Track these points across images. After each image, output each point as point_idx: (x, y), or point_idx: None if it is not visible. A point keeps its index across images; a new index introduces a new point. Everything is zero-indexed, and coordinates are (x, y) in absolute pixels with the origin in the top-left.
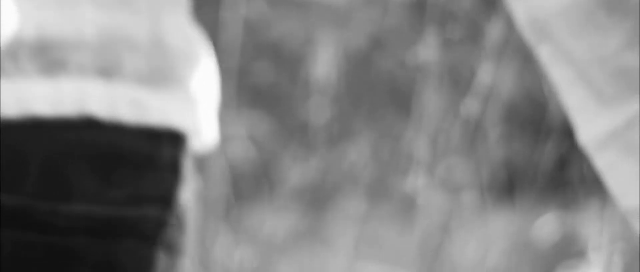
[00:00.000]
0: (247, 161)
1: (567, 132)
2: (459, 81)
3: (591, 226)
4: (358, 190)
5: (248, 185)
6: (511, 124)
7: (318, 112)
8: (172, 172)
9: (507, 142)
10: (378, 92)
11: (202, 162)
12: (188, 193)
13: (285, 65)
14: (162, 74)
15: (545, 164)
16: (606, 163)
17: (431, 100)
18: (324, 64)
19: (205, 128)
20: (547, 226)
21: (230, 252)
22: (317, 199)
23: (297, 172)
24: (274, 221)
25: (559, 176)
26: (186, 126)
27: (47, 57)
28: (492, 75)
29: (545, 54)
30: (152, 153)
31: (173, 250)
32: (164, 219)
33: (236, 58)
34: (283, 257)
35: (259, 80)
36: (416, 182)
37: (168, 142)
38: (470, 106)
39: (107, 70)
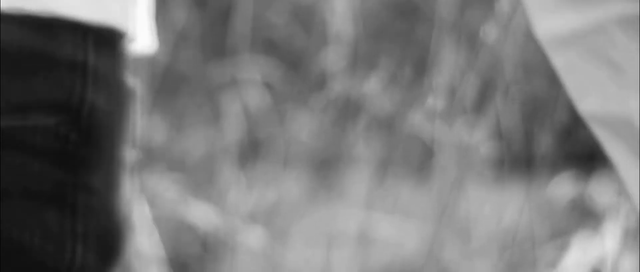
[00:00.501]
0: (262, 107)
1: None
2: (475, 33)
3: (607, 190)
4: (374, 142)
5: (262, 131)
6: (527, 81)
7: (333, 62)
8: (74, 73)
9: (524, 99)
10: (394, 43)
11: (217, 107)
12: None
13: (301, 14)
14: None
15: (563, 121)
16: (565, 63)
17: (448, 53)
18: (340, 13)
19: (130, 23)
20: (563, 187)
21: (244, 197)
22: (332, 151)
23: (311, 122)
24: (287, 169)
25: (575, 136)
26: (97, 18)
27: None
28: (506, 28)
29: None
30: (43, 49)
31: (73, 164)
32: (60, 128)
33: (251, 4)
34: (296, 205)
35: (274, 28)
36: (432, 136)
37: (68, 37)
38: (486, 61)
39: None
